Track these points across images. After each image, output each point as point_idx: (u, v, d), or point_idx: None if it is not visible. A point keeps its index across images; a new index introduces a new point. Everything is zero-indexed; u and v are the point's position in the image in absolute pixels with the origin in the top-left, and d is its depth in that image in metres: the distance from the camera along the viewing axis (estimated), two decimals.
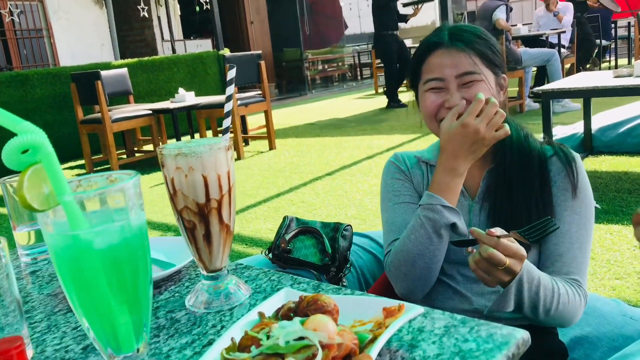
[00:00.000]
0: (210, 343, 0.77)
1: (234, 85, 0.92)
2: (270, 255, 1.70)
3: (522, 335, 0.70)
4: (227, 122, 0.89)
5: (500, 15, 7.09)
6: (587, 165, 4.26)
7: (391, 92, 9.37)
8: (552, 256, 1.23)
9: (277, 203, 4.45)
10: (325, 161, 5.80)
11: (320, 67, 15.90)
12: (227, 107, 0.90)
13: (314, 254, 1.69)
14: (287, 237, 1.79)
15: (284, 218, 1.88)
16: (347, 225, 1.67)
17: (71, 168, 7.01)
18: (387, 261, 1.32)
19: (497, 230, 1.04)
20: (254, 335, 0.65)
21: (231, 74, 0.93)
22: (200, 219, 0.86)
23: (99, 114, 6.01)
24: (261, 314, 0.74)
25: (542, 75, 7.46)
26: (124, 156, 7.07)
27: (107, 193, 0.60)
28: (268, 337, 0.63)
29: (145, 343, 0.66)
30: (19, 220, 1.24)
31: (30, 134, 0.56)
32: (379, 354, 0.69)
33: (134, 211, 0.62)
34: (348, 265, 1.56)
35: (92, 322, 0.63)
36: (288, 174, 5.41)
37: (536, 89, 4.19)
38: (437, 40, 1.28)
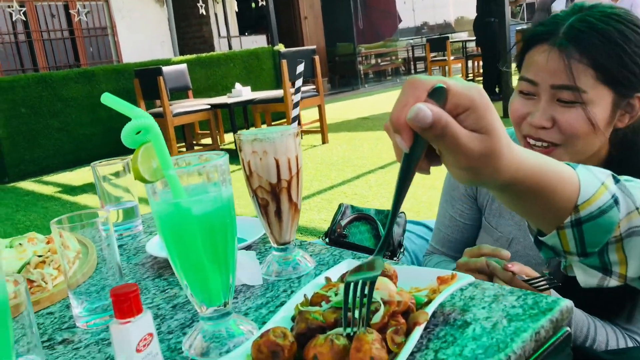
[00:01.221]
0: (282, 304, 0.87)
1: (302, 78, 1.03)
2: (327, 240, 1.80)
3: (565, 304, 0.77)
4: (295, 112, 0.99)
5: (557, 8, 6.88)
6: None
7: (488, 83, 8.58)
8: None
9: (330, 195, 4.56)
10: (377, 155, 5.86)
11: (373, 61, 15.91)
12: (296, 98, 1.00)
13: (368, 239, 1.78)
14: (343, 222, 1.89)
15: (340, 205, 1.98)
16: (401, 212, 1.75)
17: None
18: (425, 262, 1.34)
19: (515, 266, 0.98)
20: (324, 293, 0.75)
21: (300, 68, 1.04)
22: (272, 197, 0.97)
23: (161, 108, 6.29)
24: (328, 278, 0.84)
25: None
26: (184, 149, 7.36)
27: (204, 169, 0.71)
28: (336, 295, 0.73)
29: (230, 299, 0.77)
30: (107, 200, 1.39)
31: (142, 118, 0.67)
32: (434, 315, 0.77)
33: (224, 184, 0.73)
34: (402, 250, 1.64)
35: (189, 279, 0.75)
36: (341, 167, 5.50)
37: None
38: (545, 31, 1.02)
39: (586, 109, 0.99)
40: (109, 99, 0.69)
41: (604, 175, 0.69)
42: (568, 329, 0.76)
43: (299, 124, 0.99)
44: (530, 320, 0.73)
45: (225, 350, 0.74)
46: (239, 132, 0.97)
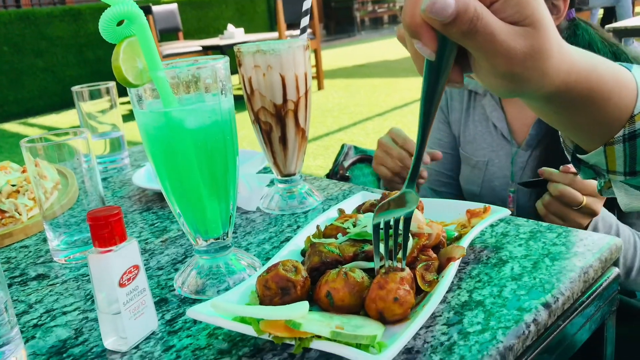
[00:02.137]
0: (287, 240, 0.77)
1: (309, 16, 0.88)
2: (332, 180, 1.69)
3: (615, 242, 0.67)
4: (304, 21, 0.86)
5: None
6: None
7: None
8: None
9: (327, 142, 4.44)
10: (374, 102, 5.70)
11: (370, 8, 15.44)
12: (306, 4, 0.86)
13: (372, 182, 1.68)
14: (346, 164, 1.78)
15: (342, 146, 1.87)
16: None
17: (122, 104, 7.14)
18: None
19: (572, 167, 0.90)
20: (339, 225, 0.64)
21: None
22: (276, 120, 0.85)
23: None
24: (341, 210, 0.73)
25: (609, 17, 7.02)
26: None
27: (199, 72, 0.59)
28: (354, 226, 0.63)
29: (230, 231, 0.67)
30: (90, 130, 1.26)
31: (125, 4, 0.54)
32: None
33: (224, 93, 0.61)
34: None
35: (182, 206, 0.64)
36: (337, 114, 5.36)
37: (607, 26, 3.94)
38: None
39: None
40: None
41: None
42: (617, 269, 0.67)
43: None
44: (576, 259, 0.64)
45: (223, 287, 0.64)
46: (238, 45, 0.84)
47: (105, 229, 0.54)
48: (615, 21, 6.64)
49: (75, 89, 1.24)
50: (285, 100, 0.84)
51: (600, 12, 7.33)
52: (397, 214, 0.53)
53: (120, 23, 0.55)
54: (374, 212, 0.54)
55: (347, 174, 1.75)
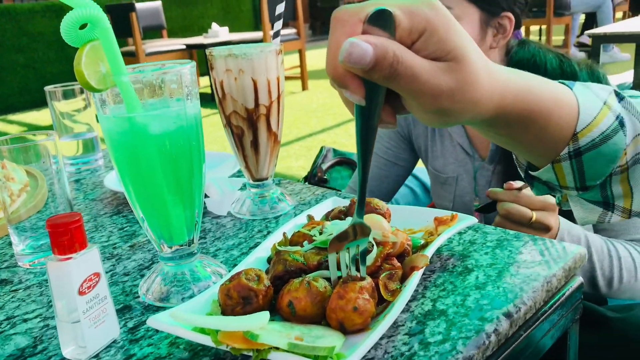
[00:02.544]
0: (257, 245, 0.76)
1: (282, 20, 0.87)
2: (306, 184, 1.70)
3: (579, 251, 0.68)
4: (277, 26, 0.86)
5: None
6: None
7: None
8: None
9: (310, 142, 4.44)
10: None
11: None
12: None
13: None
14: (324, 166, 1.78)
15: (321, 148, 1.87)
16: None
17: None
18: None
19: (516, 183, 0.90)
20: (306, 232, 0.64)
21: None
22: (248, 125, 0.85)
23: (133, 47, 5.99)
24: (310, 217, 0.73)
25: (591, 23, 7.11)
26: None
27: (164, 76, 0.58)
28: (320, 234, 0.62)
29: (196, 237, 0.66)
30: (63, 131, 1.24)
31: (87, 8, 0.54)
32: (430, 261, 0.67)
33: (190, 99, 0.60)
34: None
35: (146, 212, 0.63)
36: (320, 115, 5.36)
37: (586, 33, 3.98)
38: None
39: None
40: None
41: (606, 92, 0.55)
42: (580, 278, 0.67)
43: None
44: (540, 268, 0.64)
45: (188, 295, 0.63)
46: (210, 48, 0.84)
47: (64, 236, 0.53)
48: (596, 27, 6.73)
49: (48, 88, 1.22)
50: (257, 104, 0.83)
51: (582, 17, 7.43)
52: (351, 250, 0.52)
53: (83, 27, 0.55)
54: (328, 248, 0.53)
55: (325, 177, 1.75)
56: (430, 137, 1.25)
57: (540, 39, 7.12)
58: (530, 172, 0.58)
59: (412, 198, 1.80)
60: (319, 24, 14.70)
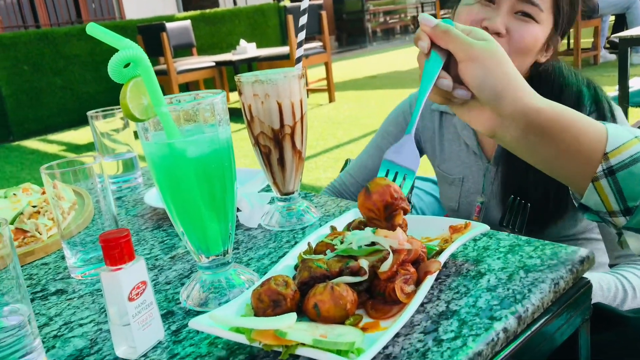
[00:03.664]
0: (285, 255, 0.83)
1: (304, 31, 0.94)
2: (331, 197, 1.75)
3: (586, 254, 0.72)
4: (299, 52, 0.93)
5: None
6: None
7: None
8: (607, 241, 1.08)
9: (337, 154, 4.50)
10: (385, 113, 5.70)
11: (381, 19, 15.54)
12: (300, 36, 0.93)
13: None
14: None
15: (346, 161, 1.92)
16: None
17: None
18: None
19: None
20: (329, 242, 0.70)
21: (302, 19, 0.94)
22: (274, 144, 0.92)
23: (165, 66, 6.18)
24: (333, 228, 0.79)
25: (621, 24, 7.01)
26: None
27: (198, 106, 0.65)
28: (341, 243, 0.69)
29: (230, 248, 0.73)
30: (104, 152, 1.34)
31: (131, 49, 0.61)
32: (445, 266, 0.73)
33: (221, 125, 0.67)
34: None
35: (185, 226, 0.70)
36: (347, 127, 5.42)
37: (613, 36, 3.95)
38: None
39: (538, 27, 1.03)
40: (94, 30, 0.63)
41: (637, 131, 0.66)
42: (589, 279, 0.72)
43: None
44: (548, 271, 0.69)
45: (224, 300, 0.70)
46: (239, 74, 0.91)
47: (115, 250, 0.60)
48: (626, 29, 6.63)
49: (90, 113, 1.32)
50: (282, 125, 0.90)
51: (611, 19, 7.33)
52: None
53: (126, 65, 0.62)
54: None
55: None
56: (439, 141, 1.30)
57: (568, 42, 7.05)
58: (581, 202, 0.69)
59: (438, 206, 1.85)
60: (344, 35, 14.80)
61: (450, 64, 0.73)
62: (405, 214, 0.71)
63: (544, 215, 1.10)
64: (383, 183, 0.70)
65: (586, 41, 7.01)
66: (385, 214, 0.70)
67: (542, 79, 1.10)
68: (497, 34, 1.03)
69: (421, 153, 1.40)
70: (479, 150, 1.22)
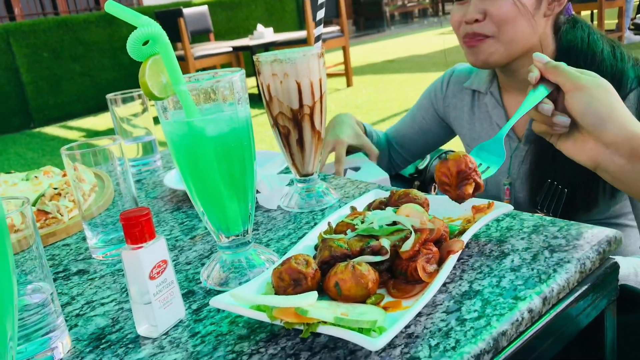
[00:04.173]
0: (304, 236, 0.82)
1: (324, 9, 0.93)
2: (349, 179, 1.74)
3: (613, 234, 0.70)
4: (318, 30, 0.91)
5: None
6: None
7: None
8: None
9: None
10: (404, 98, 5.71)
11: (399, 3, 15.35)
12: (319, 14, 0.91)
13: (408, 168, 1.70)
14: None
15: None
16: (450, 151, 1.67)
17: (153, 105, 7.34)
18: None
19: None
20: (349, 221, 0.69)
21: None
22: (294, 124, 0.91)
23: (182, 52, 6.19)
24: (353, 208, 0.78)
25: None
26: None
27: (217, 84, 0.65)
28: (362, 223, 0.68)
29: (250, 228, 0.73)
30: (123, 135, 1.34)
31: (150, 26, 0.61)
32: (468, 246, 0.72)
33: (240, 103, 0.67)
34: (433, 185, 1.58)
35: (205, 206, 0.70)
36: (365, 111, 5.39)
37: (639, 17, 3.85)
38: None
39: None
40: (113, 7, 0.62)
41: None
42: (615, 259, 0.70)
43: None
44: (574, 251, 0.67)
45: (244, 280, 0.70)
46: (257, 54, 0.90)
47: (136, 228, 0.60)
48: None
49: (109, 96, 1.32)
50: (301, 105, 0.89)
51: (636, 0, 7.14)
52: None
53: (145, 43, 0.62)
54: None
55: None
56: (469, 120, 1.29)
57: (592, 23, 6.89)
58: None
59: None
60: (362, 19, 14.66)
61: (556, 100, 0.79)
62: (477, 190, 0.71)
63: (579, 201, 1.08)
64: (461, 154, 0.72)
65: (610, 22, 6.84)
66: (457, 181, 0.71)
67: (571, 54, 1.09)
68: (476, 21, 1.08)
69: (450, 131, 1.42)
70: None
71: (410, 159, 1.51)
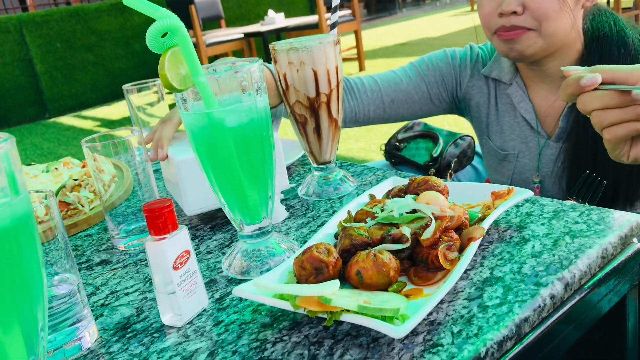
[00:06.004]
0: (323, 224, 0.83)
1: (337, 12, 0.92)
2: (366, 165, 1.73)
3: (636, 219, 0.70)
4: (334, 17, 0.91)
5: None
6: None
7: None
8: None
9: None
10: None
11: None
12: (335, 1, 0.91)
13: (422, 155, 1.69)
14: (400, 136, 1.81)
15: (384, 145, 1.89)
16: (465, 136, 1.65)
17: (169, 93, 7.35)
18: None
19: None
20: (369, 210, 0.69)
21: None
22: (310, 113, 0.91)
23: (194, 39, 6.18)
24: (372, 196, 0.78)
25: None
26: None
27: (236, 75, 0.65)
28: (382, 211, 0.68)
29: (270, 217, 0.73)
30: (140, 124, 1.35)
31: (168, 19, 0.61)
32: (487, 233, 0.72)
33: (259, 93, 0.67)
34: (450, 171, 1.57)
35: (226, 196, 0.70)
36: None
37: None
38: None
39: None
40: (131, 0, 0.62)
41: None
42: (638, 244, 0.70)
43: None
44: (596, 236, 0.67)
45: (265, 269, 0.71)
46: (273, 42, 0.90)
47: (159, 219, 0.61)
48: None
49: (126, 86, 1.33)
50: (318, 93, 0.89)
51: None
52: None
53: (164, 35, 0.62)
54: None
55: (400, 145, 1.77)
56: (494, 111, 1.24)
57: (608, 1, 6.76)
58: None
59: (474, 174, 1.81)
60: (373, 2, 14.52)
61: None
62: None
63: (621, 195, 1.06)
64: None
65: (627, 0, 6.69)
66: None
67: (603, 43, 1.07)
68: (514, 13, 1.04)
69: (465, 112, 1.33)
70: (538, 124, 1.17)
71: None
